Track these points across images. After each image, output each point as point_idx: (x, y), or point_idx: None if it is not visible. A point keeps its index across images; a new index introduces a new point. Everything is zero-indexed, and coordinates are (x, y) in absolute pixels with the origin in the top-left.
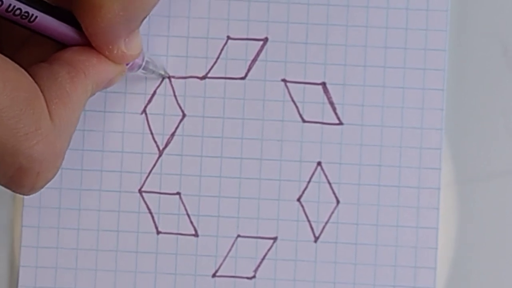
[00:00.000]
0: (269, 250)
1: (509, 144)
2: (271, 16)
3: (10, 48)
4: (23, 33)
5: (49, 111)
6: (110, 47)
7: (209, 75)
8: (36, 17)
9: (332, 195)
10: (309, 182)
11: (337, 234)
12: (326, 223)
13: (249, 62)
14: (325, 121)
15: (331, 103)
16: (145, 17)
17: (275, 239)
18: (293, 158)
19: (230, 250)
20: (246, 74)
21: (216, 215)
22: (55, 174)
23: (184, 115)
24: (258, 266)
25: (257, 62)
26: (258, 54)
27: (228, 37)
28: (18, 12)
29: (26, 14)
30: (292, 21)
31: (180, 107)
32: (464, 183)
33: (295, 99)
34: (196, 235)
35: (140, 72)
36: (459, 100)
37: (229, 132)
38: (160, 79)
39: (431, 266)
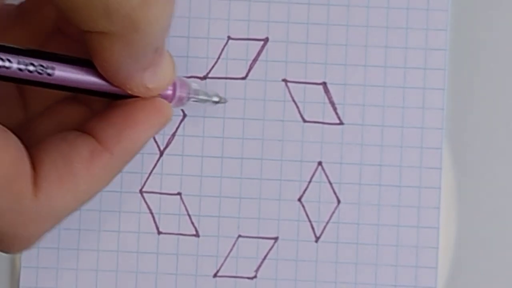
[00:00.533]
0: (270, 250)
1: (509, 144)
2: (271, 16)
3: (37, 108)
4: (49, 95)
5: (38, 188)
6: (128, 86)
7: (209, 75)
8: (54, 68)
9: (333, 195)
10: (310, 182)
11: (338, 234)
12: (327, 223)
13: (249, 62)
14: (325, 121)
15: (332, 103)
16: (156, 47)
17: (276, 239)
18: (294, 158)
19: (231, 250)
20: (247, 74)
21: (217, 215)
22: (30, 247)
23: (184, 115)
24: (259, 266)
25: (257, 62)
26: (258, 54)
27: (229, 37)
28: (32, 68)
29: (42, 68)
30: (293, 21)
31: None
32: (465, 183)
33: (295, 99)
34: (197, 235)
35: (191, 102)
36: (460, 99)
37: (229, 132)
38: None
39: (432, 266)
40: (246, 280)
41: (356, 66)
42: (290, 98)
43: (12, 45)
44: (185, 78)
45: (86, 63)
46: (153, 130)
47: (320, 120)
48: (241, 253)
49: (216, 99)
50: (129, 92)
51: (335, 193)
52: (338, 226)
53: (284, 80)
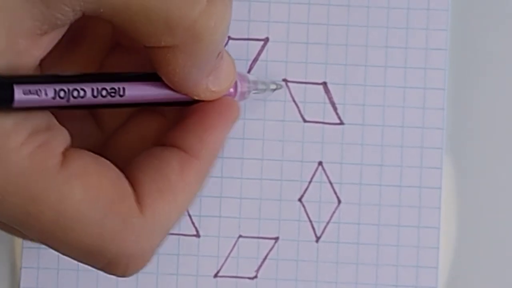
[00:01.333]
0: (270, 250)
1: (510, 144)
2: (272, 16)
3: (117, 122)
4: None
5: (142, 206)
6: (195, 93)
7: None
8: (125, 88)
9: (334, 195)
10: (310, 182)
11: (338, 234)
12: (328, 223)
13: (250, 62)
14: (326, 121)
15: (332, 103)
16: (218, 52)
17: (276, 239)
18: (295, 158)
19: (231, 250)
20: None
21: (217, 215)
22: (146, 264)
23: None
24: (260, 266)
25: (258, 62)
26: (259, 54)
27: (229, 37)
28: (104, 92)
29: (114, 90)
30: (293, 21)
31: None
32: (465, 183)
33: (296, 99)
34: (197, 235)
35: (253, 94)
36: (460, 99)
37: (230, 133)
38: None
39: (433, 266)
40: (247, 280)
41: (356, 66)
42: (290, 98)
43: (83, 73)
44: (241, 72)
45: (153, 77)
46: (228, 128)
47: (321, 120)
48: (241, 253)
49: (273, 86)
50: (196, 98)
51: (335, 193)
52: (339, 226)
53: (285, 80)
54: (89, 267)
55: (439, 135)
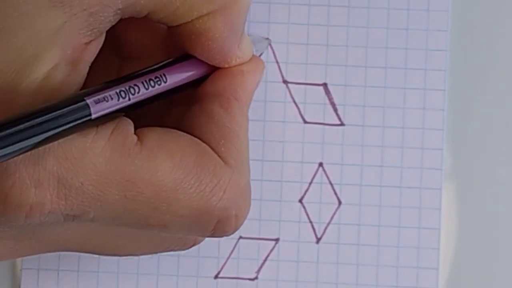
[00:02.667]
0: (271, 251)
1: (510, 144)
2: (272, 17)
3: (157, 114)
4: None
5: (220, 156)
6: (228, 60)
7: None
8: (165, 74)
9: (334, 196)
10: (310, 183)
11: (339, 235)
12: (328, 224)
13: None
14: (326, 122)
15: (333, 104)
16: (245, 20)
17: (277, 240)
18: (295, 159)
19: (232, 251)
20: None
21: None
22: (249, 206)
23: None
24: (260, 267)
25: None
26: (259, 55)
27: None
28: (152, 83)
29: (158, 79)
30: (293, 22)
31: None
32: (466, 184)
33: (296, 100)
34: None
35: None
36: (460, 100)
37: None
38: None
39: (433, 267)
40: (247, 281)
41: (356, 67)
42: (290, 99)
43: (127, 74)
44: None
45: (183, 58)
46: (256, 73)
47: (321, 121)
48: (242, 254)
49: (266, 42)
50: (227, 66)
51: (336, 194)
52: (339, 227)
53: (285, 81)
54: (90, 269)
55: (439, 136)
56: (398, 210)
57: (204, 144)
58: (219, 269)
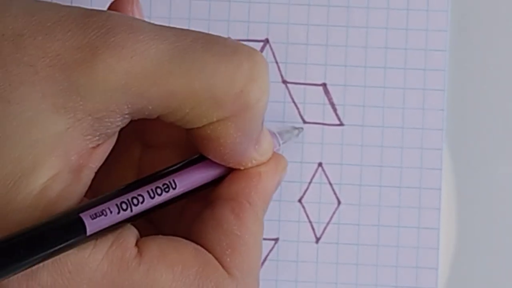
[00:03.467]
0: (270, 251)
1: (509, 144)
2: (271, 17)
3: (171, 222)
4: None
5: (225, 267)
6: (243, 164)
7: None
8: (175, 181)
9: (333, 196)
10: (310, 183)
11: (338, 235)
12: (328, 224)
13: None
14: (326, 122)
15: (332, 104)
16: (263, 119)
17: (276, 240)
18: (294, 159)
19: None
20: None
21: None
22: None
23: None
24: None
25: None
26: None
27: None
28: (159, 191)
29: (166, 186)
30: (293, 22)
31: None
32: (465, 184)
33: (295, 100)
34: None
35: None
36: (460, 100)
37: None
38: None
39: (432, 267)
40: None
41: (356, 67)
42: (290, 99)
43: (133, 181)
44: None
45: (195, 161)
46: (274, 176)
47: (320, 121)
48: None
49: (296, 132)
50: (243, 167)
51: (335, 194)
52: (339, 227)
53: (284, 81)
54: None
55: (438, 136)
56: (397, 210)
57: (208, 255)
58: None
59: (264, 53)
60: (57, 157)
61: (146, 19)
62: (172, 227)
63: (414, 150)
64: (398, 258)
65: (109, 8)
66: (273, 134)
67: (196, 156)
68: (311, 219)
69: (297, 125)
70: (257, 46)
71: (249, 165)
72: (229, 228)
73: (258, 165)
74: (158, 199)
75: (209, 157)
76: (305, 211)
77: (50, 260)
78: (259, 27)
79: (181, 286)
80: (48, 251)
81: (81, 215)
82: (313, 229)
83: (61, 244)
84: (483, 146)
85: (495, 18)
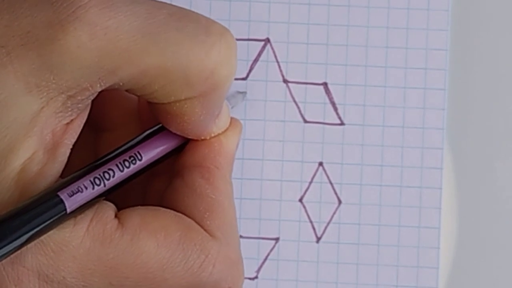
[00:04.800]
0: (271, 250)
1: (510, 144)
2: (272, 17)
3: (139, 189)
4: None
5: (207, 230)
6: (203, 136)
7: None
8: (139, 152)
9: (334, 196)
10: (311, 182)
11: (339, 234)
12: (328, 223)
13: (250, 63)
14: (326, 121)
15: (333, 103)
16: (223, 101)
17: (277, 239)
18: (295, 159)
19: None
20: (248, 75)
21: None
22: (243, 277)
23: None
24: (260, 266)
25: (258, 63)
26: (259, 55)
27: None
28: (127, 163)
29: (132, 157)
30: (293, 21)
31: None
32: (466, 183)
33: (296, 99)
34: None
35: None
36: (461, 99)
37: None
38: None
39: (433, 266)
40: (247, 280)
41: (356, 66)
42: (291, 99)
43: (101, 157)
44: None
45: (156, 132)
46: (234, 137)
47: (321, 120)
48: (242, 253)
49: (241, 97)
50: (202, 138)
51: (336, 193)
52: (339, 226)
53: (285, 81)
54: None
55: (439, 135)
56: (398, 209)
57: (188, 219)
58: None
59: (265, 52)
60: (32, 138)
61: None
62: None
63: (415, 150)
64: (399, 258)
65: None
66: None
67: (156, 128)
68: (312, 219)
69: (241, 90)
70: (258, 45)
71: (208, 137)
72: (203, 192)
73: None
74: (127, 172)
75: (170, 129)
76: (305, 211)
77: (33, 242)
78: (260, 26)
79: (166, 252)
80: (32, 232)
81: (59, 193)
82: (313, 228)
83: (44, 223)
84: (483, 146)
85: (495, 17)
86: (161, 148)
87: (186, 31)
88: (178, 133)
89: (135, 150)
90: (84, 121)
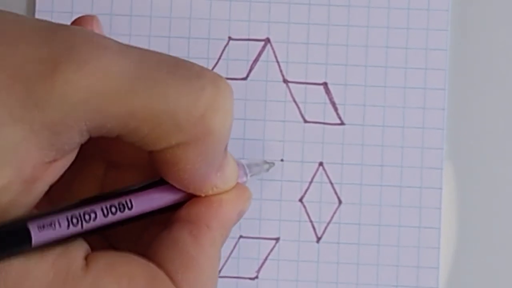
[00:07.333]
0: (271, 250)
1: (510, 143)
2: (272, 17)
3: (129, 243)
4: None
5: (175, 284)
6: (204, 190)
7: None
8: (131, 200)
9: (334, 196)
10: (311, 182)
11: (339, 234)
12: (328, 223)
13: (250, 63)
14: (326, 121)
15: (333, 103)
16: (225, 148)
17: (277, 239)
18: (295, 159)
19: (232, 251)
20: (248, 75)
21: None
22: None
23: None
24: (261, 266)
25: (258, 63)
26: (259, 55)
27: (230, 38)
28: (114, 209)
29: (122, 205)
30: (293, 21)
31: None
32: (466, 183)
33: (296, 99)
34: None
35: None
36: (461, 99)
37: (231, 133)
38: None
39: (433, 266)
40: (248, 280)
41: (357, 66)
42: (291, 99)
43: (88, 197)
44: (237, 161)
45: (155, 184)
46: (237, 206)
47: (321, 120)
48: (242, 253)
49: (266, 166)
50: (203, 195)
51: (336, 193)
52: (339, 226)
53: (285, 81)
54: None
55: (439, 135)
56: (398, 209)
57: (158, 270)
58: (220, 269)
59: (265, 52)
60: (10, 167)
61: (146, 19)
62: (130, 249)
63: (415, 150)
64: (399, 258)
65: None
66: (241, 165)
67: (157, 179)
68: (312, 219)
69: (269, 160)
70: (258, 45)
71: (210, 192)
72: (185, 248)
73: (219, 193)
74: (111, 218)
75: (169, 181)
76: (306, 211)
77: None
78: (260, 26)
79: None
80: None
81: (28, 224)
82: (314, 228)
83: (5, 251)
84: (483, 146)
85: (495, 17)
86: (156, 201)
87: (178, 74)
88: (177, 185)
89: (127, 198)
90: (68, 165)
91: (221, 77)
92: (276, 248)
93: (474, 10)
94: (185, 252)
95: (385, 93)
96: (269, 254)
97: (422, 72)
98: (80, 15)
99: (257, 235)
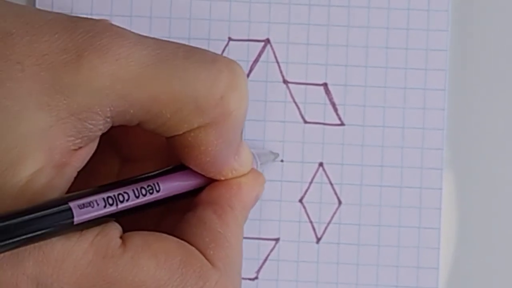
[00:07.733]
0: (271, 251)
1: (510, 143)
2: (272, 17)
3: (153, 220)
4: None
5: (208, 259)
6: (224, 173)
7: None
8: (158, 183)
9: (334, 196)
10: (311, 183)
11: (339, 235)
12: (328, 224)
13: (250, 63)
14: (326, 122)
15: (333, 104)
16: (242, 129)
17: (277, 240)
18: (295, 159)
19: None
20: (248, 75)
21: None
22: None
23: None
24: (260, 267)
25: (258, 63)
26: (259, 55)
27: (230, 38)
28: (144, 191)
29: (150, 187)
30: (293, 22)
31: None
32: (466, 183)
33: (296, 100)
34: None
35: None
36: (461, 100)
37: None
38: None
39: (433, 266)
40: (248, 281)
41: (357, 67)
42: (291, 99)
43: (120, 180)
44: None
45: (179, 169)
46: (254, 189)
47: (321, 121)
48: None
49: (273, 156)
50: (222, 178)
51: (336, 194)
52: (339, 227)
53: (285, 81)
54: None
55: (439, 136)
56: (398, 210)
57: (191, 247)
58: None
59: (265, 53)
60: (41, 152)
61: (146, 19)
62: None
63: (415, 150)
64: (399, 258)
65: None
66: (252, 153)
67: (178, 165)
68: (312, 219)
69: (274, 151)
70: (258, 45)
71: (229, 175)
72: (212, 225)
73: (237, 177)
74: (142, 199)
75: (190, 166)
76: (306, 211)
77: (36, 246)
78: (260, 27)
79: (164, 273)
80: (36, 233)
81: (69, 203)
82: (313, 229)
83: (48, 228)
84: (484, 146)
85: (495, 17)
86: (181, 184)
87: (194, 59)
88: (197, 170)
89: (154, 181)
90: (91, 153)
91: (234, 61)
92: (276, 249)
93: (474, 10)
94: (213, 229)
95: (385, 93)
96: (269, 254)
97: (422, 73)
98: (80, 15)
99: (257, 236)
